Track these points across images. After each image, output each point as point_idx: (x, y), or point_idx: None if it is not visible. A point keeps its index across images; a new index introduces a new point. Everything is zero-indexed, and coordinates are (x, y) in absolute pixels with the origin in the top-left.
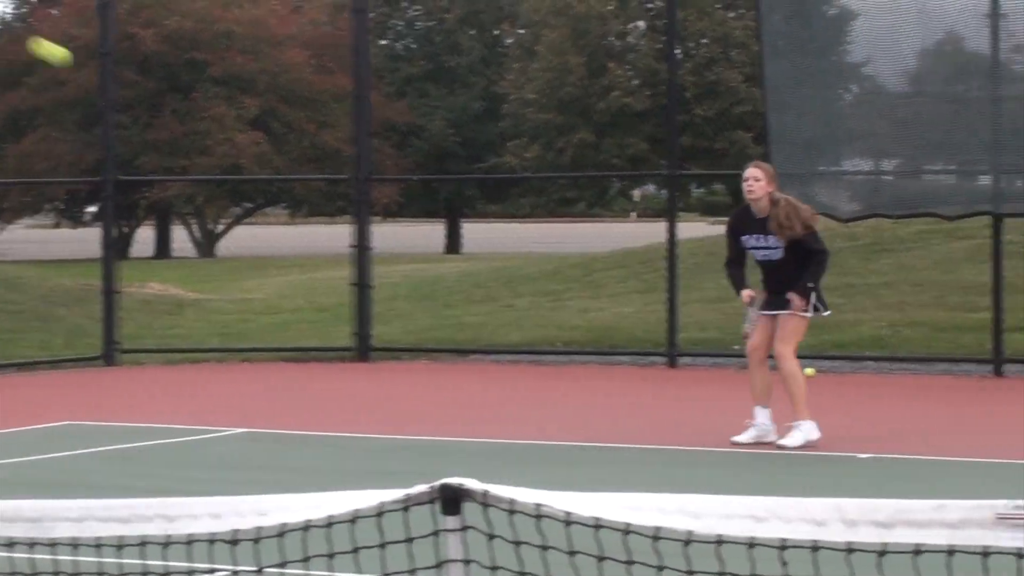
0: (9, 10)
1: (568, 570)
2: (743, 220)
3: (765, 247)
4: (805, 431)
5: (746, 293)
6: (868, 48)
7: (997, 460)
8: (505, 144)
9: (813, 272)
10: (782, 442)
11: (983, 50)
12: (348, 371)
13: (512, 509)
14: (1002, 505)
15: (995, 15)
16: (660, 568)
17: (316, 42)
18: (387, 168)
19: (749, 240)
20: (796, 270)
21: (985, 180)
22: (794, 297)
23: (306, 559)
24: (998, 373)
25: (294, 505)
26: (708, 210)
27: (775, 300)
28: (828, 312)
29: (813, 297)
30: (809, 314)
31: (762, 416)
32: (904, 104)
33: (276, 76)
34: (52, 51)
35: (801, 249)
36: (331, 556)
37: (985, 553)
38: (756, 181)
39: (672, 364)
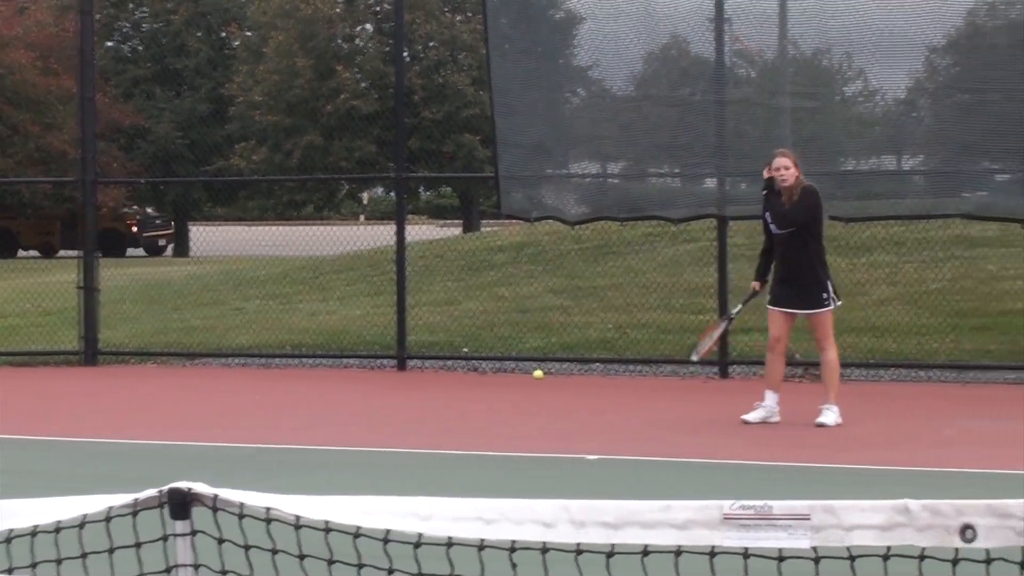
0: None
1: (298, 574)
2: (770, 199)
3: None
4: (836, 412)
5: (754, 284)
6: (594, 52)
7: (723, 461)
8: (233, 147)
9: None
10: (821, 420)
11: (708, 54)
12: (76, 375)
13: (242, 513)
14: (728, 505)
15: (719, 19)
16: (390, 571)
17: (42, 43)
18: (113, 171)
19: (769, 215)
20: (801, 249)
21: (710, 183)
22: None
23: (33, 565)
24: (724, 375)
25: (21, 510)
26: (436, 213)
27: (793, 297)
28: (840, 302)
29: (830, 287)
30: (831, 306)
31: (771, 400)
32: (630, 108)
33: (1, 78)
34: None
35: (806, 232)
36: (59, 562)
37: (712, 553)
38: (787, 170)
39: (402, 367)
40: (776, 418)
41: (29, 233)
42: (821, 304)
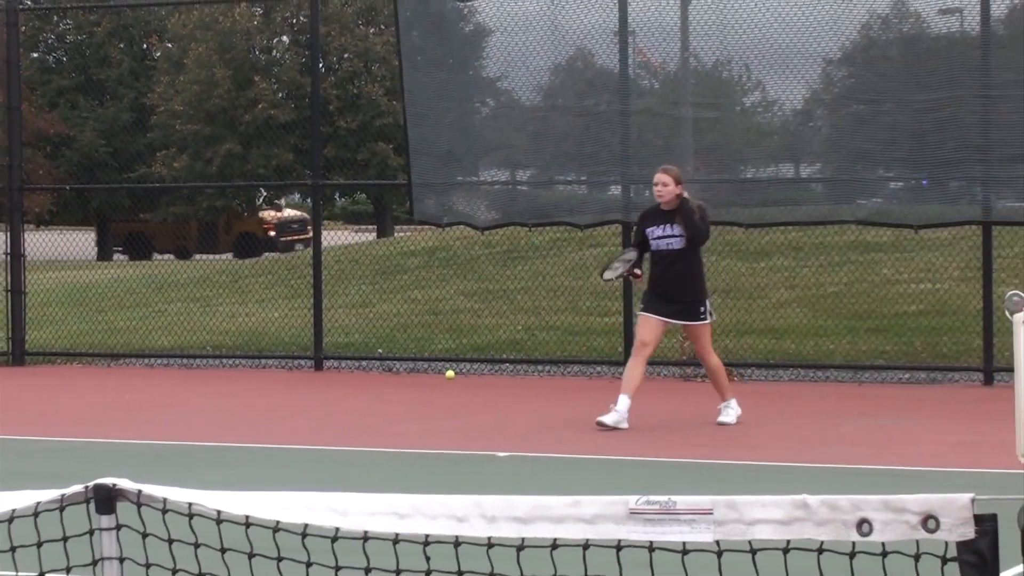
0: None
1: (220, 566)
2: (651, 214)
3: (669, 235)
4: (735, 408)
5: (637, 272)
6: (503, 63)
7: (629, 458)
8: (155, 154)
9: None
10: (722, 419)
11: (612, 66)
12: (3, 375)
13: (165, 508)
14: (634, 501)
15: (624, 32)
16: (309, 564)
17: None
18: (39, 178)
19: (655, 231)
20: (689, 267)
21: (615, 190)
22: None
23: None
24: None
25: None
26: (351, 219)
27: (673, 308)
28: (715, 317)
29: (708, 303)
30: (708, 320)
31: (624, 405)
32: (538, 117)
33: None
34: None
35: (695, 249)
36: None
37: (619, 547)
38: (664, 186)
39: (318, 367)
40: (625, 425)
41: (165, 237)
42: (698, 317)
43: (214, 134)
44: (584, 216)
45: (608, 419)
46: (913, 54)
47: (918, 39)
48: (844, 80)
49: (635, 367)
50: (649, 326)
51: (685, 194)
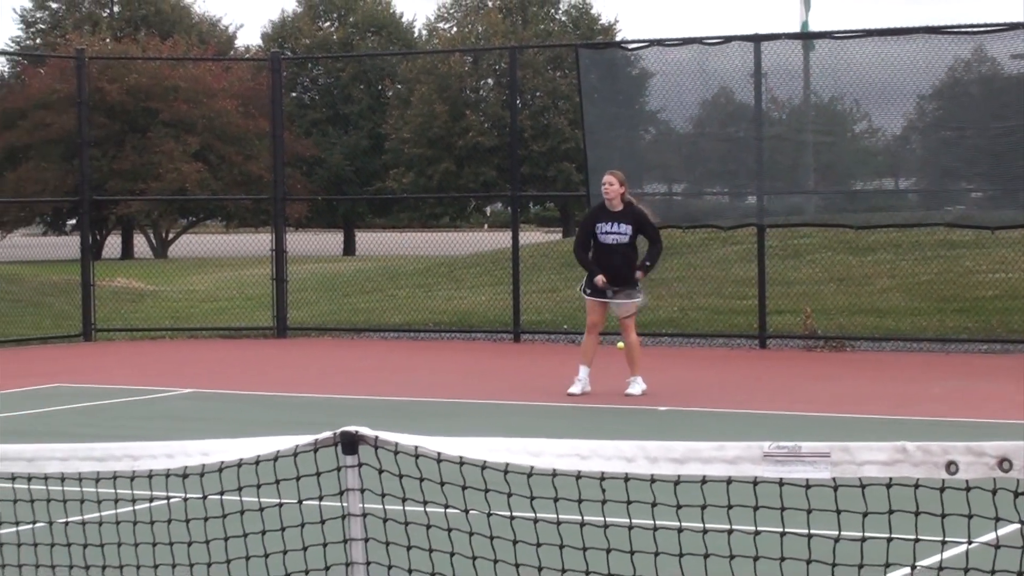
0: (6, 69)
1: (439, 496)
2: (599, 212)
3: (617, 232)
4: (641, 384)
5: (600, 279)
6: (662, 99)
7: (763, 412)
8: (388, 172)
9: (652, 255)
10: (629, 391)
11: (749, 101)
12: (269, 346)
13: (396, 450)
14: (767, 446)
15: (758, 74)
16: (509, 495)
17: (243, 94)
18: (297, 190)
19: (603, 227)
20: (630, 259)
21: (751, 200)
22: (639, 274)
23: (239, 488)
24: (763, 346)
25: (229, 447)
26: (542, 222)
27: (613, 291)
28: (646, 301)
29: (640, 287)
30: (640, 300)
31: (584, 373)
32: (689, 142)
33: (212, 120)
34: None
35: (640, 237)
36: (258, 486)
37: (755, 482)
38: (611, 186)
39: (517, 339)
40: (588, 388)
41: None
42: (634, 297)
43: (434, 156)
44: (727, 220)
45: (574, 389)
46: (990, 90)
47: (994, 78)
48: (934, 111)
49: (590, 342)
50: (594, 308)
51: (628, 195)
